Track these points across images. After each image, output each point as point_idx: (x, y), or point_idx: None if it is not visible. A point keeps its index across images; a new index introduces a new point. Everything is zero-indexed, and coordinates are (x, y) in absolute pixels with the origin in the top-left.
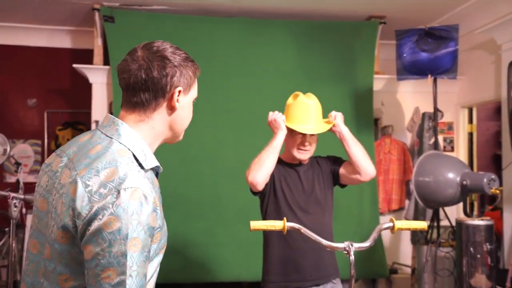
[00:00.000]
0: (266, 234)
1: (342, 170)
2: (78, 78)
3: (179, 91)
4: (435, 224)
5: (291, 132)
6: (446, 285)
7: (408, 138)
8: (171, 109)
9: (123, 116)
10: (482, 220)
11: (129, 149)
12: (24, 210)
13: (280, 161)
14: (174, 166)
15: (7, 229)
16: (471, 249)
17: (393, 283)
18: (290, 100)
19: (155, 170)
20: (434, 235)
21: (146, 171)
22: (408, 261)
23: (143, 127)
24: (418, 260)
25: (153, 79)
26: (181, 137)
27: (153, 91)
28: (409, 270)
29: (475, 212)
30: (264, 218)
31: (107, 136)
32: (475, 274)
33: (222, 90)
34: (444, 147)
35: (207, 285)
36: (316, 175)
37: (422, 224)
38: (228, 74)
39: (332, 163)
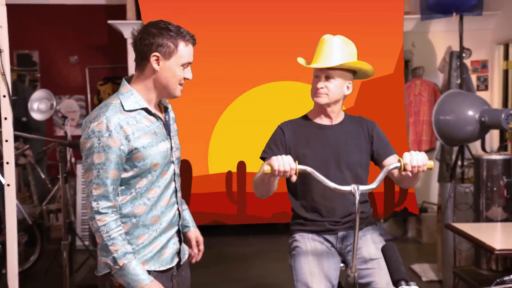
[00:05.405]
0: None
1: (385, 163)
2: (114, 33)
3: (157, 57)
4: (460, 162)
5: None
6: (465, 218)
7: (440, 79)
8: (153, 70)
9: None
10: (500, 154)
11: (119, 98)
12: (73, 160)
13: (304, 121)
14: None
15: (59, 176)
16: (488, 183)
17: (423, 221)
18: None
19: (147, 111)
20: None
21: (127, 111)
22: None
23: (138, 82)
24: (442, 197)
25: (137, 47)
26: (176, 93)
27: (139, 56)
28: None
29: None
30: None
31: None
32: (492, 206)
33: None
34: (478, 86)
35: (243, 227)
36: (351, 136)
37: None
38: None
39: (382, 145)
